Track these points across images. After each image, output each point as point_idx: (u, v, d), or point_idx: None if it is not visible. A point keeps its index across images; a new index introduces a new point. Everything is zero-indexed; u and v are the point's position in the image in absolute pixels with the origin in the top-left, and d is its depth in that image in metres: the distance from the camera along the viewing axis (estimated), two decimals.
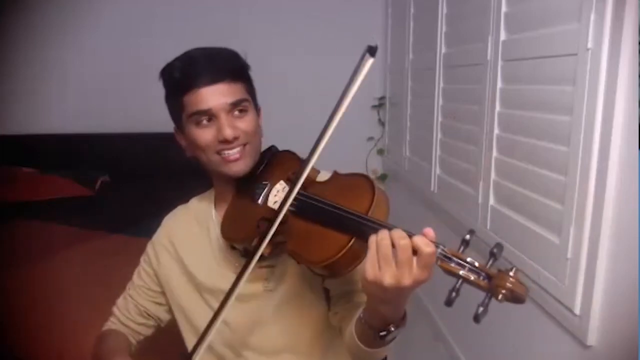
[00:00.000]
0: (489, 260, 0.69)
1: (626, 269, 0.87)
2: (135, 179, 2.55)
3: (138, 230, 1.67)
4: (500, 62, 1.28)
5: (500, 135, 1.31)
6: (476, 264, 0.69)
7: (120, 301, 1.17)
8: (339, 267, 0.80)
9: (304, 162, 0.88)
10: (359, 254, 0.79)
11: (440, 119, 1.78)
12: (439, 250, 0.71)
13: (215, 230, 1.07)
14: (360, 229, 0.78)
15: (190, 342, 1.08)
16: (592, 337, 0.95)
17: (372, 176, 2.74)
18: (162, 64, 1.00)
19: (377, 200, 0.81)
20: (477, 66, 1.41)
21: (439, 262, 0.70)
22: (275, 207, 0.94)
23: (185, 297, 1.09)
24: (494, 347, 1.40)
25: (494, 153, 1.33)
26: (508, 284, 0.66)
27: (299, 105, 2.68)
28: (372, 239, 0.72)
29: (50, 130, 2.76)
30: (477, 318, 0.66)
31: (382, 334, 0.80)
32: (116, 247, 1.90)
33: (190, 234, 1.11)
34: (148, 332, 1.16)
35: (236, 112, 0.97)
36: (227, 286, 0.91)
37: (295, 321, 1.04)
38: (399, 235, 0.70)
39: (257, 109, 1.04)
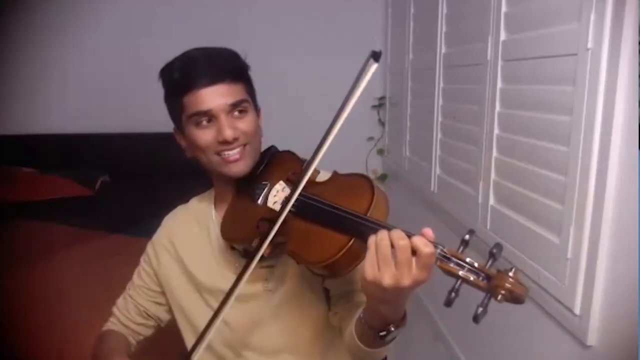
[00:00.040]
0: (488, 260, 0.69)
1: (626, 269, 0.87)
2: (135, 179, 2.55)
3: (138, 230, 1.67)
4: (500, 62, 1.28)
5: (500, 135, 1.31)
6: (475, 264, 0.69)
7: (120, 301, 1.17)
8: (338, 267, 0.80)
9: (305, 167, 0.88)
10: (359, 254, 0.79)
11: (440, 119, 1.78)
12: (438, 251, 0.70)
13: (215, 230, 1.07)
14: (359, 229, 0.78)
15: (190, 342, 1.08)
16: (592, 337, 0.95)
17: (372, 176, 2.76)
18: (162, 64, 1.00)
19: (376, 201, 0.81)
20: (477, 66, 1.41)
21: (438, 263, 0.70)
22: (275, 207, 0.94)
23: (185, 297, 1.10)
24: (494, 347, 1.40)
25: (494, 153, 1.33)
26: (507, 285, 0.66)
27: (299, 105, 2.68)
28: (372, 239, 0.72)
29: (50, 130, 2.76)
30: (476, 318, 0.66)
31: (382, 334, 0.80)
32: (116, 247, 1.90)
33: (190, 234, 1.11)
34: (148, 332, 1.16)
35: (236, 113, 0.97)
36: (227, 286, 0.91)
37: (295, 321, 1.04)
38: (398, 235, 0.70)
39: (257, 110, 1.04)
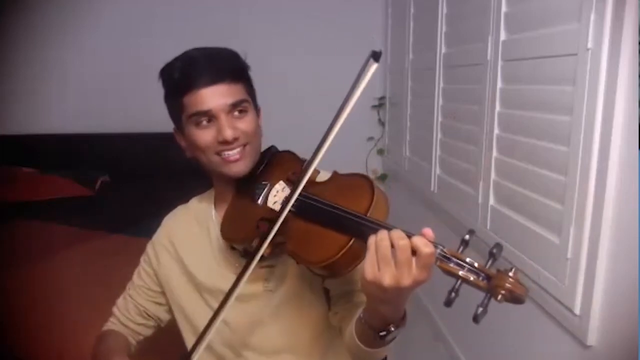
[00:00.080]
0: (488, 260, 0.69)
1: (626, 269, 0.87)
2: (135, 179, 2.55)
3: (138, 230, 1.67)
4: (500, 62, 1.28)
5: (500, 135, 1.31)
6: (475, 264, 0.69)
7: (120, 301, 1.17)
8: (338, 267, 0.80)
9: (304, 166, 0.88)
10: (359, 254, 0.79)
11: (440, 119, 1.78)
12: (438, 251, 0.70)
13: (215, 230, 1.07)
14: (359, 230, 0.78)
15: (190, 342, 1.07)
16: (592, 337, 0.95)
17: (372, 176, 2.75)
18: (162, 64, 1.00)
19: (376, 201, 0.81)
20: (477, 66, 1.41)
21: (438, 263, 0.70)
22: (275, 207, 0.94)
23: (185, 297, 1.09)
24: (494, 347, 1.40)
25: (494, 153, 1.33)
26: (507, 285, 0.65)
27: (299, 105, 2.68)
28: (371, 239, 0.72)
29: (50, 130, 2.76)
30: (476, 318, 0.66)
31: (382, 334, 0.80)
32: (116, 247, 1.90)
33: (190, 234, 1.11)
34: (148, 332, 1.16)
35: (236, 113, 0.97)
36: (227, 286, 0.91)
37: (295, 321, 1.04)
38: (398, 235, 0.70)
39: (257, 109, 1.04)
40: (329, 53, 2.68)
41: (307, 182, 0.89)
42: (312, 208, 0.87)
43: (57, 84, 2.76)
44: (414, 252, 0.70)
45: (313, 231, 0.85)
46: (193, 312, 1.08)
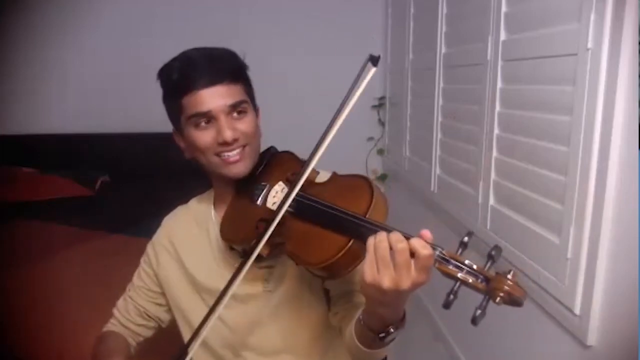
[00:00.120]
0: (487, 262, 0.69)
1: (626, 269, 0.87)
2: (135, 179, 2.55)
3: (138, 230, 1.67)
4: (500, 62, 1.28)
5: (500, 135, 1.31)
6: (474, 266, 0.69)
7: (120, 302, 1.17)
8: (337, 268, 0.80)
9: (302, 167, 0.88)
10: (358, 255, 0.79)
11: (440, 119, 1.78)
12: (437, 253, 0.70)
13: (214, 231, 1.06)
14: (358, 231, 0.78)
15: None
16: (592, 337, 0.94)
17: (372, 176, 2.76)
18: (162, 64, 1.00)
19: (375, 202, 0.81)
20: (477, 66, 1.41)
21: (436, 265, 0.70)
22: (274, 208, 0.94)
23: (185, 297, 1.09)
24: (494, 347, 1.40)
25: (494, 153, 1.33)
26: (506, 287, 0.65)
27: (299, 105, 2.68)
28: (370, 241, 0.72)
29: (50, 130, 2.76)
30: (474, 321, 0.66)
31: (381, 335, 0.80)
32: (116, 247, 1.91)
33: (190, 234, 1.11)
34: (148, 333, 1.16)
35: (235, 114, 0.97)
36: None
37: (294, 322, 1.04)
38: (397, 238, 0.70)
39: (256, 110, 1.04)
40: (329, 53, 2.68)
41: (306, 183, 0.89)
42: (311, 209, 0.87)
43: (57, 84, 2.76)
44: (412, 254, 0.69)
45: (312, 232, 0.85)
46: (192, 312, 1.08)
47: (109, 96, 2.73)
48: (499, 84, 1.29)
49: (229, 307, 0.95)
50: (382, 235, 0.71)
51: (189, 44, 1.02)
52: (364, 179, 0.88)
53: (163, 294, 1.13)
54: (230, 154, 0.96)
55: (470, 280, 0.68)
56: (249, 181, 1.01)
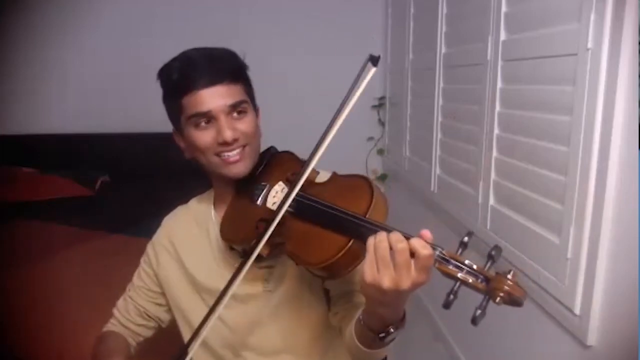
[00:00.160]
0: (487, 262, 0.69)
1: (626, 269, 0.87)
2: (135, 179, 2.55)
3: (138, 230, 1.67)
4: (500, 62, 1.28)
5: (500, 135, 1.31)
6: (474, 266, 0.69)
7: (120, 303, 1.17)
8: (337, 268, 0.80)
9: (302, 167, 0.88)
10: (358, 255, 0.79)
11: (440, 119, 1.78)
12: (437, 253, 0.70)
13: (214, 231, 1.06)
14: (358, 231, 0.78)
15: None
16: (592, 337, 0.94)
17: (372, 176, 2.76)
18: (162, 64, 1.00)
19: (375, 202, 0.81)
20: (477, 66, 1.41)
21: (436, 265, 0.70)
22: (274, 208, 0.94)
23: (185, 297, 1.09)
24: (494, 347, 1.40)
25: (494, 153, 1.33)
26: (506, 287, 0.65)
27: (299, 105, 2.68)
28: (370, 241, 0.72)
29: (50, 130, 2.76)
30: (474, 321, 0.66)
31: (381, 335, 0.80)
32: (116, 247, 1.91)
33: (190, 234, 1.11)
34: (148, 333, 1.16)
35: (235, 114, 0.97)
36: None
37: (294, 322, 1.04)
38: (397, 238, 0.70)
39: (256, 110, 1.04)
40: (329, 53, 2.68)
41: (306, 183, 0.89)
42: (311, 209, 0.87)
43: (57, 84, 2.76)
44: (412, 254, 0.69)
45: (312, 232, 0.85)
46: (192, 312, 1.08)
47: (109, 96, 2.73)
48: (499, 84, 1.29)
49: (229, 307, 0.95)
50: (382, 235, 0.71)
51: (189, 44, 1.02)
52: (364, 179, 0.88)
53: (163, 294, 1.13)
54: (230, 154, 0.96)
55: (470, 280, 0.68)
56: (249, 181, 1.01)
